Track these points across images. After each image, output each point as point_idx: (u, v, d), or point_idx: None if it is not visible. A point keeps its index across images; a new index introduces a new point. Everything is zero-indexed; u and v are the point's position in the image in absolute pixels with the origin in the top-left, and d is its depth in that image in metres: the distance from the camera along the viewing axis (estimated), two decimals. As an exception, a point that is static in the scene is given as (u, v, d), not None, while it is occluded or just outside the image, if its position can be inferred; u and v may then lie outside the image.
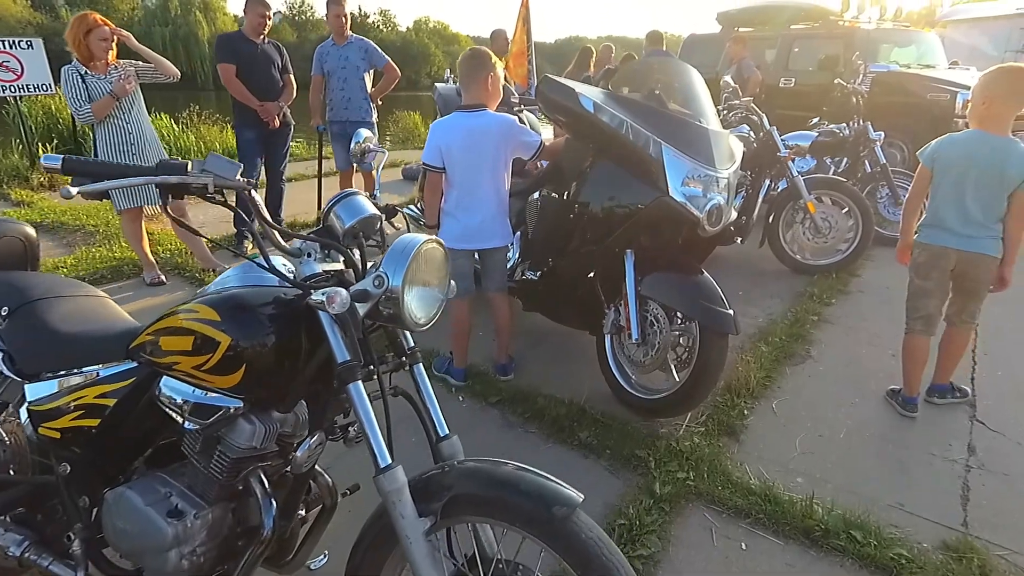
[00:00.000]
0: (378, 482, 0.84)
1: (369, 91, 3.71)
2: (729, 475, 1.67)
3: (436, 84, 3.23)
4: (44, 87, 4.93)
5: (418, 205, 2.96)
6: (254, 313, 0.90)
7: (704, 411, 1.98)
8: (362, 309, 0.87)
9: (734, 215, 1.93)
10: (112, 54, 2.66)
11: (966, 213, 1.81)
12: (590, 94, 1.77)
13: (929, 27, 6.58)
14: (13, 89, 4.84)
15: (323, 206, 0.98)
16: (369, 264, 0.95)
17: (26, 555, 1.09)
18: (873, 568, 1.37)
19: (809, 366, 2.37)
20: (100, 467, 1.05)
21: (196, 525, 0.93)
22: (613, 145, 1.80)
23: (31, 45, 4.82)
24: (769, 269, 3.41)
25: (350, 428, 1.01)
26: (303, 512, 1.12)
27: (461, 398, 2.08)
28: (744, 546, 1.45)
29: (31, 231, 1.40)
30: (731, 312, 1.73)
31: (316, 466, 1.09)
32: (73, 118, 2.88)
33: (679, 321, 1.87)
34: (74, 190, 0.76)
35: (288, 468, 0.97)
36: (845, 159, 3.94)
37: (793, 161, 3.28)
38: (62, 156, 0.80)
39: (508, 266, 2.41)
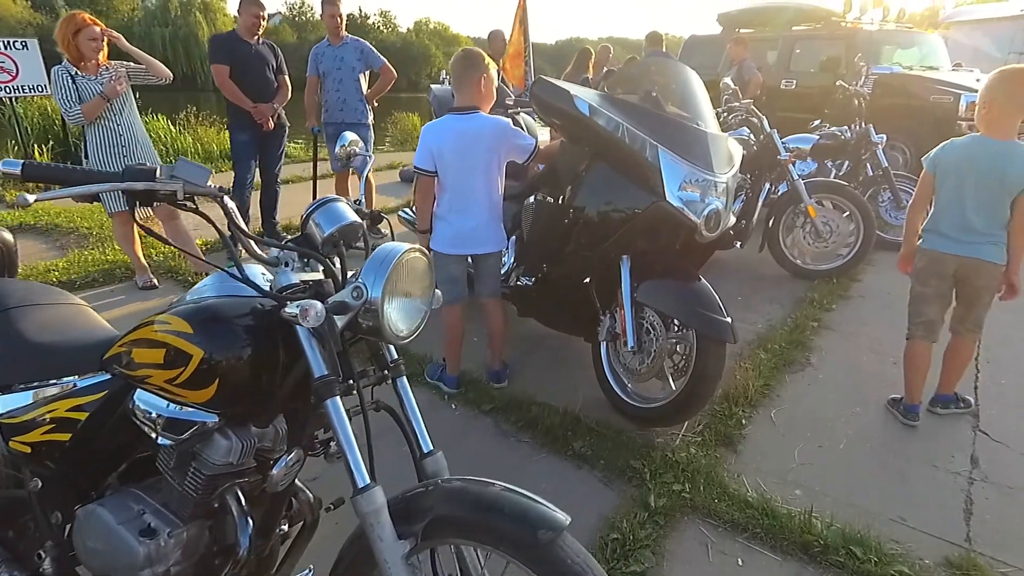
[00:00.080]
0: (355, 503, 0.80)
1: (365, 93, 3.68)
2: (726, 487, 1.63)
3: (431, 86, 3.19)
4: (39, 88, 4.91)
5: (413, 208, 2.92)
6: (229, 325, 0.86)
7: (701, 420, 1.94)
8: (341, 321, 0.84)
9: (732, 220, 1.89)
10: (103, 55, 2.63)
11: (966, 219, 1.78)
12: (585, 96, 1.73)
13: (932, 28, 6.54)
14: (8, 90, 4.82)
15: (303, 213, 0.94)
16: (350, 273, 0.92)
17: (-4, 573, 1.05)
18: (874, 586, 1.34)
19: (809, 374, 2.33)
20: (73, 482, 1.02)
21: (170, 544, 0.89)
22: (609, 149, 1.76)
23: (26, 46, 4.80)
24: (769, 274, 3.37)
25: (331, 443, 0.98)
26: (286, 526, 1.08)
27: (454, 406, 2.04)
28: (740, 562, 1.41)
29: (8, 236, 1.37)
30: (729, 320, 1.69)
31: (297, 481, 1.05)
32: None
33: (676, 328, 1.84)
34: (31, 198, 0.73)
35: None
36: (847, 162, 3.90)
37: (794, 164, 3.24)
38: (22, 161, 0.77)
39: (503, 271, 2.38)
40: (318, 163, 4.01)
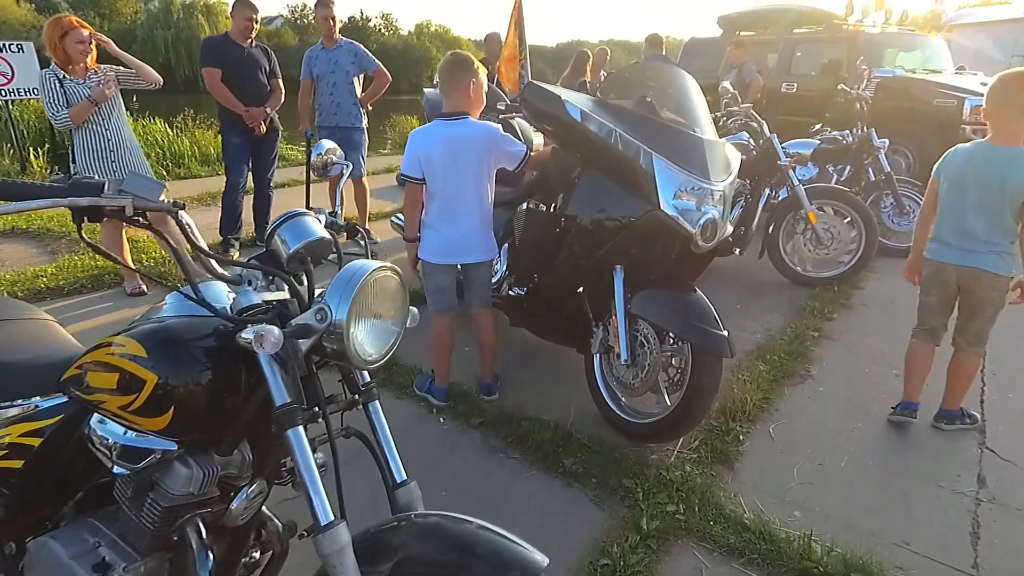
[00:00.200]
0: (317, 542, 0.75)
1: (359, 96, 3.63)
2: (722, 508, 1.57)
3: (424, 89, 3.15)
4: (35, 91, 4.89)
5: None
6: (186, 348, 0.81)
7: (697, 436, 1.88)
8: (305, 344, 0.79)
9: (730, 229, 1.83)
10: (91, 58, 2.59)
11: (967, 226, 1.74)
12: (577, 101, 1.68)
13: (935, 31, 6.48)
14: (4, 93, 4.80)
15: (268, 227, 0.89)
16: (318, 291, 0.86)
17: (-53, 607, 1.00)
18: (876, 617, 1.27)
19: (809, 386, 2.26)
20: (27, 512, 0.96)
21: None
22: (601, 156, 1.71)
23: (21, 48, 4.78)
24: (768, 281, 3.31)
25: None
26: (257, 553, 1.03)
27: (442, 419, 1.98)
28: (736, 590, 1.35)
29: None
30: (725, 333, 1.63)
31: (265, 508, 1.00)
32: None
33: (671, 341, 1.78)
34: None
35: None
36: (848, 167, 3.84)
37: (794, 170, 3.19)
38: None
39: (494, 280, 2.32)
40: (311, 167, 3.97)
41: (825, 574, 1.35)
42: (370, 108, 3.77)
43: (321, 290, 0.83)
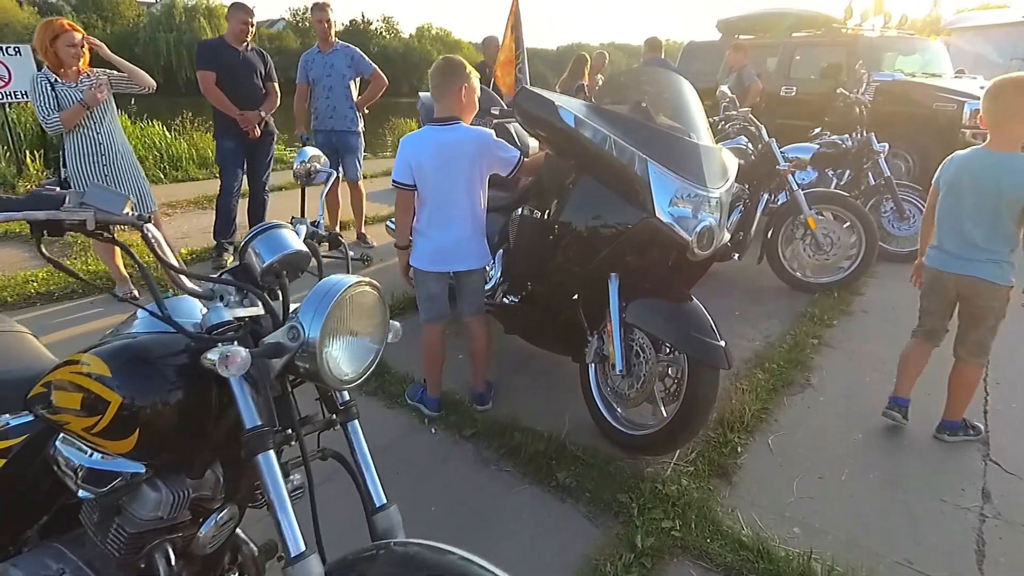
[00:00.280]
0: (286, 574, 0.71)
1: (355, 100, 3.61)
2: (719, 524, 1.52)
3: (420, 93, 3.11)
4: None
5: None
6: (154, 367, 0.77)
7: (694, 448, 1.84)
8: (278, 364, 0.75)
9: (727, 236, 1.79)
10: (84, 61, 2.57)
11: (965, 233, 1.72)
12: (570, 107, 1.65)
13: (934, 35, 6.46)
14: (0, 96, 4.78)
15: (243, 240, 0.85)
16: (294, 307, 0.82)
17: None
18: (878, 640, 1.23)
19: (809, 396, 2.22)
20: None
21: None
22: (596, 162, 1.67)
23: (19, 51, 4.76)
24: (767, 286, 3.27)
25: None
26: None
27: (434, 430, 1.94)
28: (734, 610, 1.31)
29: None
30: (722, 344, 1.59)
31: (240, 532, 0.96)
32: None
33: (667, 351, 1.74)
34: None
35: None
36: (848, 171, 3.81)
37: (793, 174, 3.15)
38: None
39: (488, 286, 2.29)
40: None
41: (825, 595, 1.31)
42: (366, 111, 3.74)
43: (298, 305, 0.79)
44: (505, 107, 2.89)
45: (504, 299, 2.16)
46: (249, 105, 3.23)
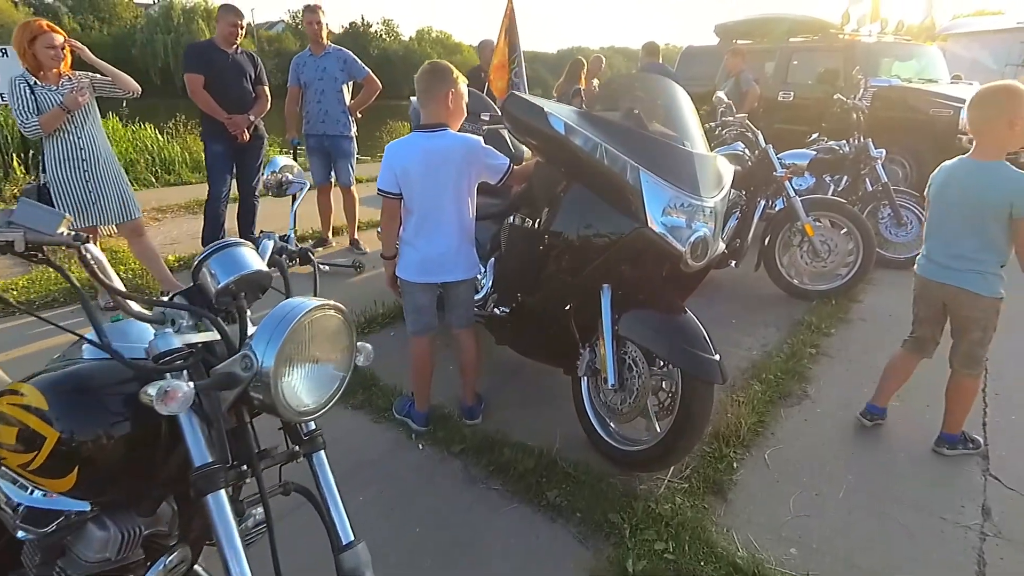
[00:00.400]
0: (241, 623, 0.65)
1: (348, 104, 3.56)
2: (713, 546, 1.47)
3: (412, 98, 3.07)
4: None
5: None
6: (95, 399, 0.72)
7: (689, 463, 1.78)
8: (231, 395, 0.69)
9: (722, 246, 1.75)
10: (65, 64, 2.51)
11: (950, 243, 1.72)
12: (561, 113, 1.60)
13: (930, 41, 6.47)
14: (-14, 98, 4.70)
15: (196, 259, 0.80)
16: (253, 330, 0.77)
17: None
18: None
19: (806, 407, 2.17)
20: None
21: None
22: (587, 170, 1.63)
23: (5, 53, 4.69)
24: (765, 294, 3.23)
25: (242, 523, 0.83)
26: None
27: (421, 446, 1.88)
28: (728, 639, 1.25)
29: None
30: (716, 358, 1.54)
31: (199, 568, 0.90)
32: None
33: (660, 365, 1.69)
34: None
35: None
36: (845, 177, 3.78)
37: (790, 180, 3.12)
38: None
39: (480, 296, 2.23)
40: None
41: (823, 622, 1.26)
42: (359, 116, 3.69)
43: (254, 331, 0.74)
44: (498, 112, 2.84)
45: (495, 309, 2.10)
46: (238, 109, 3.18)
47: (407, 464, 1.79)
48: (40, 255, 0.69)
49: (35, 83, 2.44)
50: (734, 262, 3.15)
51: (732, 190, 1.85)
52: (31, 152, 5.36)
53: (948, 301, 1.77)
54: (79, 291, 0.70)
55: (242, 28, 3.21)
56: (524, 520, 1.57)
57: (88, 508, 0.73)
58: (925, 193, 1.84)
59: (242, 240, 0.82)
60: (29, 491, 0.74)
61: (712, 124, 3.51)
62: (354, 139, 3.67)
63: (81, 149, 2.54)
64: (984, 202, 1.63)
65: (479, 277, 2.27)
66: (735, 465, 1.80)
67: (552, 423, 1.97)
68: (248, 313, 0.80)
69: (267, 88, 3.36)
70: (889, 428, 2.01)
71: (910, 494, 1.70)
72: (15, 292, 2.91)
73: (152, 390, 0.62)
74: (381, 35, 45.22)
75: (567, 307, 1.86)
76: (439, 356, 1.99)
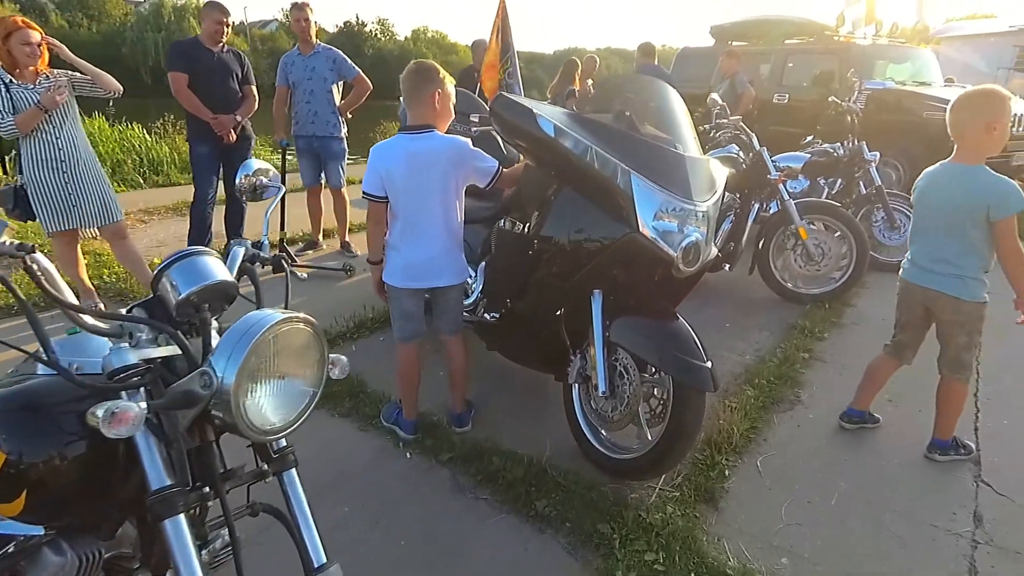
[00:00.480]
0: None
1: (338, 104, 3.51)
2: (704, 556, 1.44)
3: (401, 99, 3.02)
4: None
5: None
6: (46, 418, 0.67)
7: (680, 471, 1.76)
8: (190, 414, 0.66)
9: (714, 251, 1.72)
10: (43, 62, 2.45)
11: (931, 247, 1.73)
12: (550, 115, 1.56)
13: (924, 43, 6.50)
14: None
15: (158, 267, 0.76)
16: (217, 342, 0.73)
17: None
18: None
19: (799, 413, 2.15)
20: None
21: None
22: (577, 173, 1.59)
23: (-10, 50, 4.59)
24: (758, 297, 3.21)
25: (210, 545, 0.79)
26: None
27: (409, 454, 1.84)
28: (719, 655, 1.22)
29: None
30: (708, 365, 1.51)
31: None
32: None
33: (652, 372, 1.66)
34: None
35: None
36: (839, 180, 3.77)
37: (784, 183, 3.10)
38: None
39: (470, 300, 2.20)
40: (286, 177, 3.82)
41: (815, 636, 1.23)
42: (349, 116, 3.64)
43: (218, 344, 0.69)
44: (487, 114, 2.80)
45: (485, 315, 2.07)
46: (225, 109, 3.12)
47: (393, 473, 1.75)
48: None
49: (10, 81, 2.38)
50: (728, 265, 3.13)
51: (726, 193, 1.83)
52: (12, 152, 5.26)
53: (930, 305, 1.77)
54: (23, 303, 0.66)
55: (228, 26, 3.15)
56: (513, 530, 1.54)
57: (42, 532, 0.69)
58: (913, 198, 1.85)
59: (205, 249, 0.78)
60: None
61: (707, 126, 3.49)
62: (345, 140, 3.62)
63: (60, 150, 2.48)
64: (962, 206, 1.64)
65: (469, 281, 2.23)
66: (727, 472, 1.78)
67: (543, 431, 1.94)
68: (215, 326, 0.77)
69: (255, 88, 3.30)
70: (881, 433, 1.99)
71: (902, 501, 1.69)
72: (-6, 295, 2.84)
73: (100, 411, 0.58)
74: (376, 35, 44.99)
75: (558, 313, 1.82)
76: (428, 362, 1.96)
